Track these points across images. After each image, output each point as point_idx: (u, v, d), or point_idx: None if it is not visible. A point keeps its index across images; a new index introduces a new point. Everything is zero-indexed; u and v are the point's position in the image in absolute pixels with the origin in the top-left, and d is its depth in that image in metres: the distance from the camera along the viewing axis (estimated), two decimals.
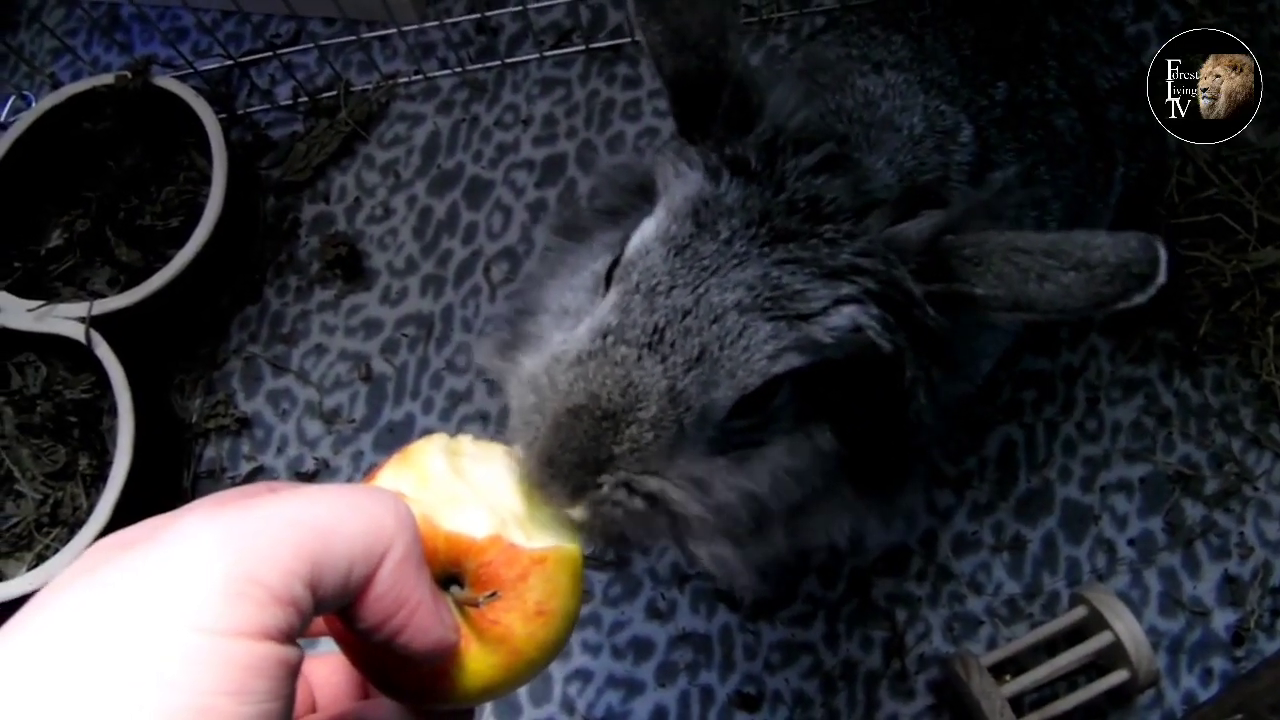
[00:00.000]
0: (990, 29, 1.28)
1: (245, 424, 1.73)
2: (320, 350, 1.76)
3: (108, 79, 1.73)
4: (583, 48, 1.86)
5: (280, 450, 1.71)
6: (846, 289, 0.81)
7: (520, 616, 0.66)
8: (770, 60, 1.56)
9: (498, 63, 1.87)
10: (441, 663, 0.64)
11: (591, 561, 1.60)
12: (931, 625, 1.53)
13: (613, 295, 0.83)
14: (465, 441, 0.80)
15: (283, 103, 1.90)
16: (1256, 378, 1.59)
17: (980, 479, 1.59)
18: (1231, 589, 1.51)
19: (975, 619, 1.53)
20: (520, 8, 1.82)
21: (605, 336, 0.80)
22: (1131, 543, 1.54)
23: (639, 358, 0.79)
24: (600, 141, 1.83)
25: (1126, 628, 1.38)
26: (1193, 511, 1.54)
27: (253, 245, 1.81)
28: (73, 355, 1.65)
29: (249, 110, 1.90)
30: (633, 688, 1.55)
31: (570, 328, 0.85)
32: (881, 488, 1.00)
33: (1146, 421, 1.59)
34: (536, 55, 1.87)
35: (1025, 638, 1.44)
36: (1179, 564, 1.53)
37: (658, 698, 1.54)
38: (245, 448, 1.72)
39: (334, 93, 1.89)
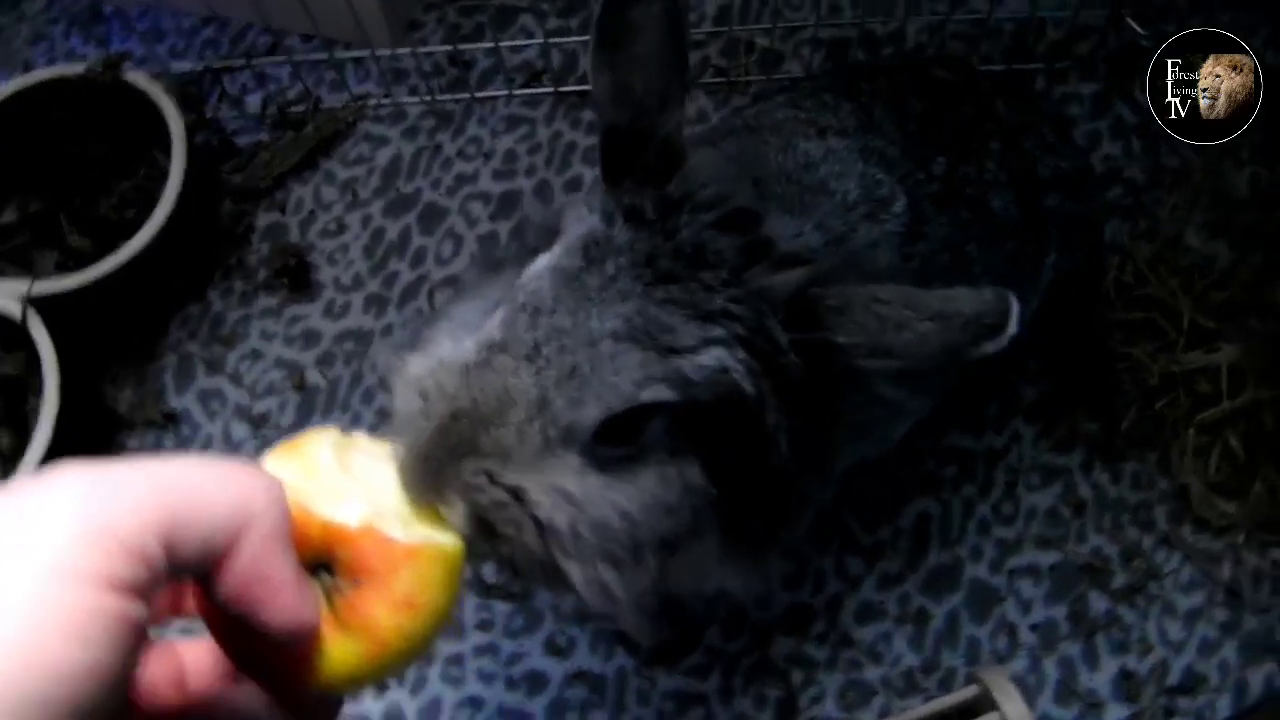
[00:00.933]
0: (938, 106, 1.31)
1: (173, 420, 1.73)
2: (256, 355, 1.77)
3: (78, 69, 1.76)
4: (551, 90, 1.90)
5: (205, 448, 1.71)
6: (716, 331, 0.86)
7: (387, 607, 0.66)
8: (732, 116, 1.60)
9: (467, 95, 1.90)
10: (302, 646, 0.64)
11: (497, 592, 1.60)
12: (826, 690, 1.52)
13: (500, 313, 0.88)
14: (358, 437, 0.82)
15: (251, 111, 1.93)
16: (1173, 478, 1.60)
17: (892, 549, 1.59)
18: (1128, 684, 1.50)
19: (870, 688, 1.52)
20: (494, 45, 1.86)
21: (490, 348, 0.85)
22: (1034, 628, 1.54)
23: (516, 368, 0.83)
24: (558, 182, 1.85)
25: (1016, 711, 1.38)
26: (1098, 604, 1.54)
27: (207, 247, 1.82)
28: (7, 332, 1.65)
29: (217, 116, 1.93)
30: None
31: (461, 340, 0.89)
32: (748, 541, 1.02)
33: (1062, 510, 1.60)
34: (505, 92, 1.90)
35: (916, 710, 1.43)
36: (1078, 654, 1.52)
37: None
38: (169, 443, 1.72)
39: (303, 107, 1.92)
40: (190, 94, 1.93)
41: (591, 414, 0.83)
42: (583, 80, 1.91)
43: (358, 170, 1.89)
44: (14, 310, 1.61)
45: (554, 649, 1.57)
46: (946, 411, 1.62)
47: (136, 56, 1.97)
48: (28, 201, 1.77)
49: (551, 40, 1.91)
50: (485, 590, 1.60)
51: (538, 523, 0.84)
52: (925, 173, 1.22)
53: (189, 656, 0.69)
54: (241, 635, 0.63)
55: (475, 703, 1.55)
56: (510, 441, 0.82)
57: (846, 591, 1.57)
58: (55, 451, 1.52)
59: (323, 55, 1.89)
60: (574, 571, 0.86)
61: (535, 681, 1.55)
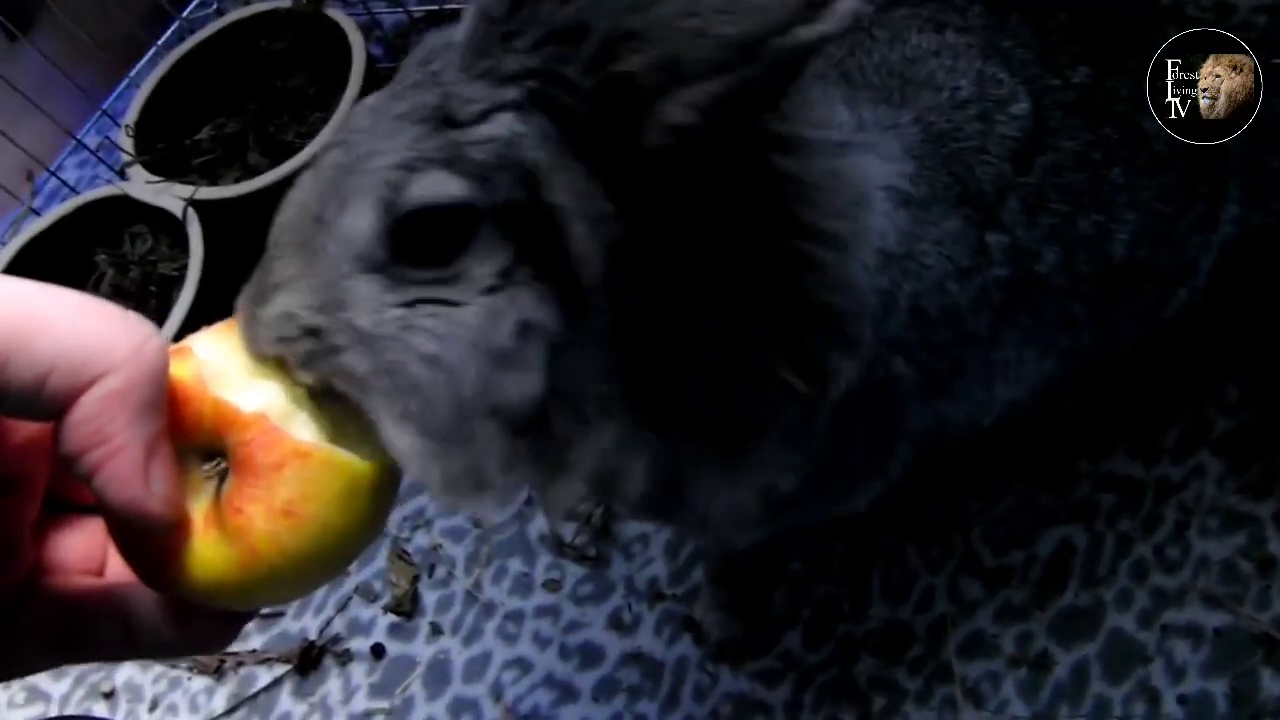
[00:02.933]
0: (1091, 22, 1.11)
1: None
2: None
3: (286, 2, 1.85)
4: None
5: None
6: (510, 93, 0.64)
7: (265, 510, 0.57)
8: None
9: None
10: (164, 536, 0.56)
11: (570, 552, 1.48)
12: None
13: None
14: None
15: None
16: None
17: (1021, 578, 1.34)
18: None
19: None
20: None
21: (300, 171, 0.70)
22: (1183, 700, 1.23)
23: (302, 181, 0.68)
24: None
25: None
26: (1271, 685, 1.22)
27: None
28: (179, 235, 1.74)
29: None
30: (567, 693, 1.40)
31: None
32: (694, 426, 0.81)
33: (1243, 565, 1.29)
34: None
35: None
36: None
37: (587, 712, 1.38)
38: None
39: None
40: (395, 43, 1.99)
41: (363, 214, 0.64)
42: None
43: None
44: (178, 210, 1.69)
45: (617, 623, 1.43)
46: (1105, 424, 1.37)
47: (361, 7, 2.04)
48: (225, 123, 1.87)
49: None
50: (559, 548, 1.49)
51: (344, 370, 0.65)
52: (1061, 79, 1.04)
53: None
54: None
55: (524, 665, 1.43)
56: (290, 270, 0.65)
57: (956, 617, 1.34)
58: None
59: None
60: (392, 436, 0.65)
61: (590, 655, 1.42)
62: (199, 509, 0.58)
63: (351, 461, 0.60)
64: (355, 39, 1.79)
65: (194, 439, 0.58)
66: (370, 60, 1.80)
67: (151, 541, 0.56)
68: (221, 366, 0.61)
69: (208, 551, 0.57)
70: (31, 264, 1.75)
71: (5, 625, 0.58)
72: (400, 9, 2.00)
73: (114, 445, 0.51)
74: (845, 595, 1.38)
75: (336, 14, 1.83)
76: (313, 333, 0.64)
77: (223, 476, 0.59)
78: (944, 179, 0.95)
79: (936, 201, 0.93)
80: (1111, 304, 1.09)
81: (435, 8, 1.99)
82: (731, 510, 0.91)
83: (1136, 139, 1.05)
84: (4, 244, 1.83)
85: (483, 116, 0.64)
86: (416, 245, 0.65)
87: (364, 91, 1.73)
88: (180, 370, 0.57)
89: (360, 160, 0.65)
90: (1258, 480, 1.32)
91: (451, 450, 0.66)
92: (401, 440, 0.64)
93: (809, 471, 0.92)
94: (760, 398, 0.82)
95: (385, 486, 0.63)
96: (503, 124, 0.64)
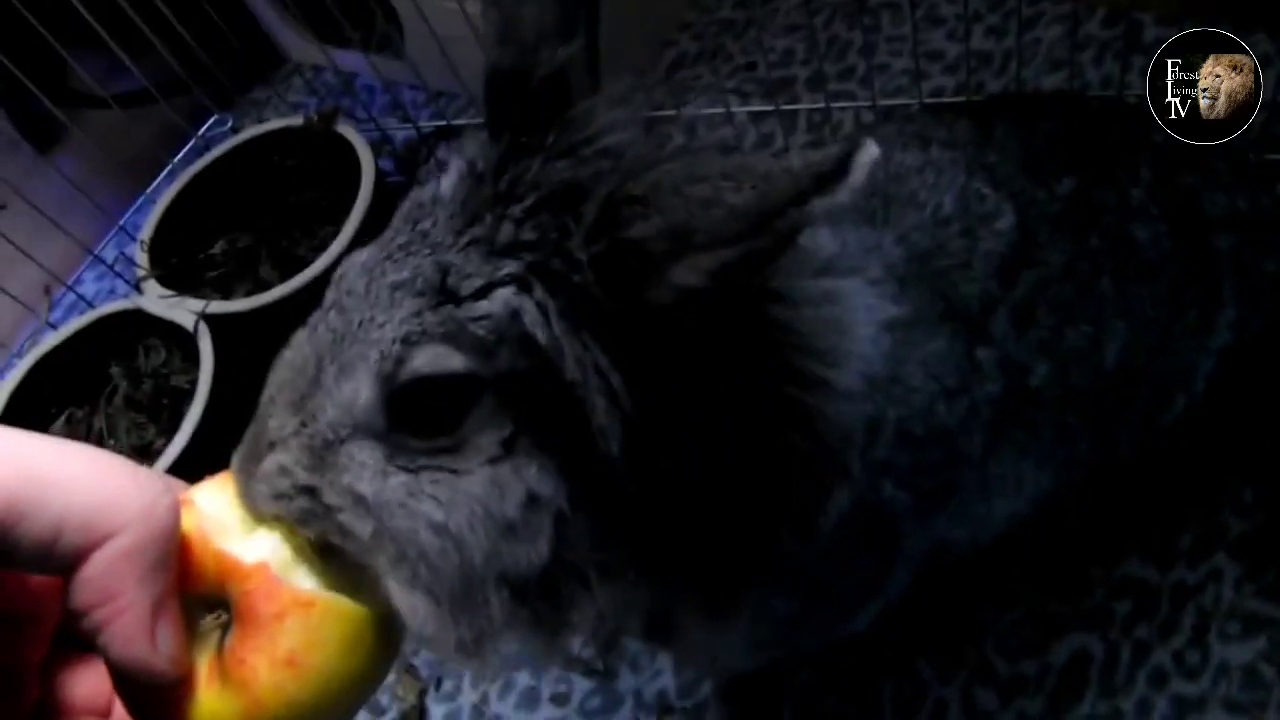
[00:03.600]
0: (1074, 129, 1.12)
1: None
2: None
3: (298, 120, 1.90)
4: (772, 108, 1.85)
5: None
6: (508, 267, 0.65)
7: (268, 661, 0.58)
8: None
9: None
10: (167, 691, 0.57)
11: (577, 665, 1.46)
12: None
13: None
14: None
15: None
16: None
17: (1036, 688, 1.31)
18: None
19: None
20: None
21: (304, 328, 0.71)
22: None
23: (297, 341, 0.70)
24: None
25: None
26: None
27: None
28: (191, 348, 1.76)
29: (427, 179, 2.01)
30: None
31: None
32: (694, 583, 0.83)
33: (1265, 670, 1.25)
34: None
35: None
36: None
37: None
38: None
39: None
40: (405, 159, 2.03)
41: (363, 384, 0.65)
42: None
43: None
44: (190, 323, 1.71)
45: None
46: (1116, 529, 1.35)
47: (372, 124, 2.09)
48: (238, 238, 1.91)
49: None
50: (567, 661, 1.47)
51: (342, 530, 0.66)
52: (1047, 191, 1.05)
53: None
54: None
55: None
56: (287, 428, 0.67)
57: None
58: (190, 454, 1.57)
59: None
60: (399, 599, 0.67)
61: None
62: (203, 659, 0.59)
63: (354, 609, 0.61)
64: (365, 154, 1.83)
65: (197, 589, 0.59)
66: (380, 175, 1.84)
67: (156, 694, 0.57)
68: (222, 518, 0.62)
69: (212, 703, 0.58)
70: (47, 376, 1.78)
71: None
72: (410, 125, 2.05)
73: (121, 603, 0.52)
74: (855, 710, 1.35)
75: (347, 130, 1.87)
76: (308, 491, 0.66)
77: (225, 627, 0.60)
78: (928, 297, 0.95)
79: (921, 321, 0.93)
80: (1107, 414, 1.08)
81: (443, 124, 2.04)
82: (727, 648, 0.92)
83: (1125, 248, 1.06)
84: (21, 356, 1.86)
85: (482, 292, 0.65)
86: (416, 414, 0.66)
87: (373, 206, 1.76)
88: (183, 522, 0.58)
89: (359, 329, 0.66)
90: (1276, 582, 1.30)
91: (459, 616, 0.68)
92: (409, 604, 0.66)
93: (803, 599, 0.93)
94: (754, 544, 0.83)
95: (389, 631, 0.64)
96: (502, 300, 0.65)
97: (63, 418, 1.78)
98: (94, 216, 2.10)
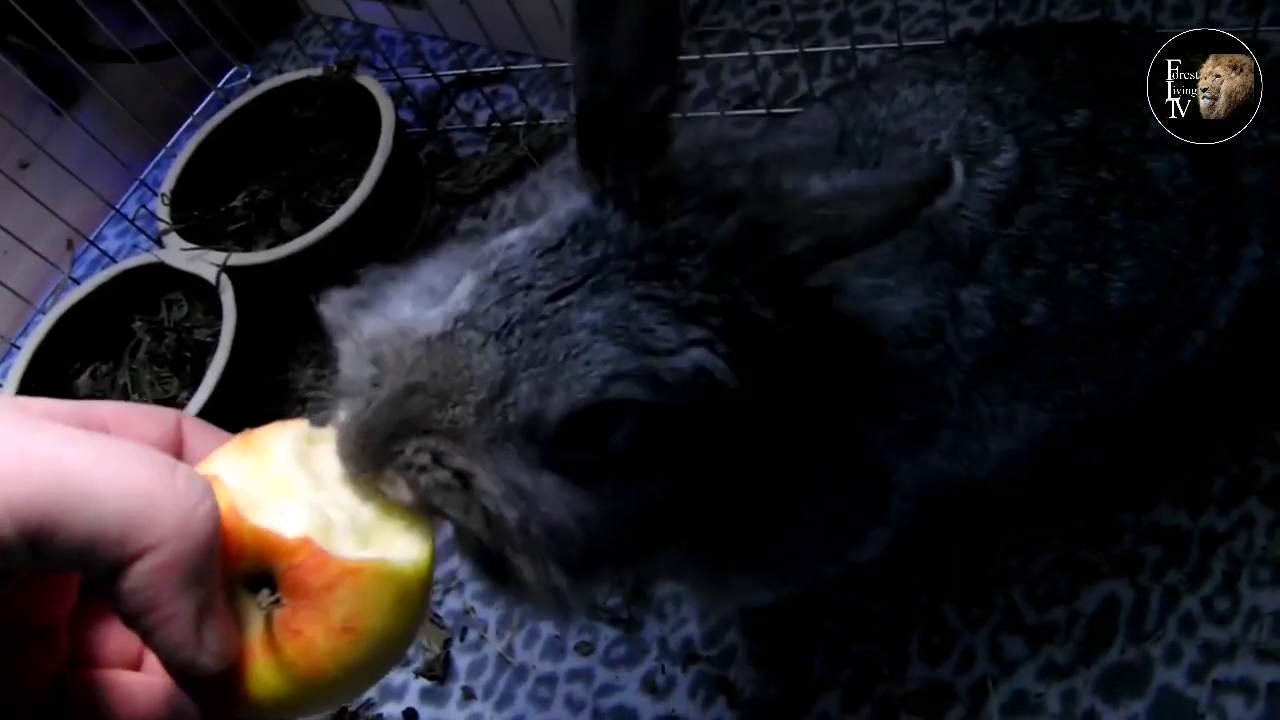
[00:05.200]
0: (1099, 60, 1.10)
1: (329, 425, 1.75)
2: None
3: (317, 71, 1.89)
4: (764, 111, 1.81)
5: None
6: (696, 332, 0.78)
7: (323, 631, 0.59)
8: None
9: (678, 114, 1.84)
10: (220, 674, 0.58)
11: (603, 615, 1.46)
12: None
13: (469, 280, 0.79)
14: (330, 432, 0.74)
15: (479, 126, 1.98)
16: None
17: (1065, 635, 1.30)
18: None
19: None
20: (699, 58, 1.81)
21: (457, 320, 0.77)
22: None
23: (484, 344, 0.76)
24: None
25: None
26: None
27: (403, 242, 1.86)
28: (214, 301, 1.76)
29: (448, 128, 2.00)
30: None
31: (426, 306, 0.82)
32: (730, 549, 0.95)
33: None
34: (718, 113, 1.83)
35: None
36: None
37: None
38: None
39: (523, 121, 1.94)
40: (427, 109, 2.01)
41: (557, 405, 0.75)
42: (799, 103, 1.80)
43: None
44: (212, 275, 1.71)
45: (650, 687, 1.40)
46: (1145, 478, 1.33)
47: (393, 74, 2.07)
48: (259, 190, 1.90)
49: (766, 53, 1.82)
50: (592, 610, 1.47)
51: (485, 512, 0.75)
52: (1055, 124, 1.03)
53: None
54: None
55: None
56: (466, 422, 0.74)
57: (999, 676, 1.29)
58: (213, 406, 1.58)
59: (535, 66, 1.91)
60: (524, 568, 0.77)
61: (623, 719, 1.39)
62: (253, 633, 0.60)
63: (397, 569, 0.63)
64: (385, 104, 1.81)
65: (237, 567, 0.59)
66: (400, 125, 1.83)
67: (208, 677, 0.57)
68: (250, 491, 0.62)
69: (267, 675, 0.59)
70: (71, 331, 1.79)
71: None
72: (430, 75, 2.03)
73: (165, 613, 0.52)
74: (884, 655, 1.34)
75: (367, 81, 1.86)
76: (461, 475, 0.74)
77: (274, 602, 0.61)
78: (912, 235, 0.95)
79: (902, 262, 0.95)
80: (1113, 353, 1.07)
81: (464, 72, 2.02)
82: (741, 581, 1.02)
83: (1139, 181, 1.04)
84: (45, 312, 1.87)
85: (676, 351, 0.77)
86: (577, 431, 0.77)
87: (393, 156, 1.75)
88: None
89: (565, 362, 0.75)
90: None
91: (581, 581, 0.80)
92: (539, 573, 0.77)
93: (805, 526, 0.99)
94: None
95: (428, 581, 0.66)
96: (692, 359, 0.78)
97: (87, 372, 1.80)
98: (115, 172, 2.10)
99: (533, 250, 0.78)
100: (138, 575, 0.51)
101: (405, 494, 0.72)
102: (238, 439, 0.68)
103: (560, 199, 0.83)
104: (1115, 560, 1.33)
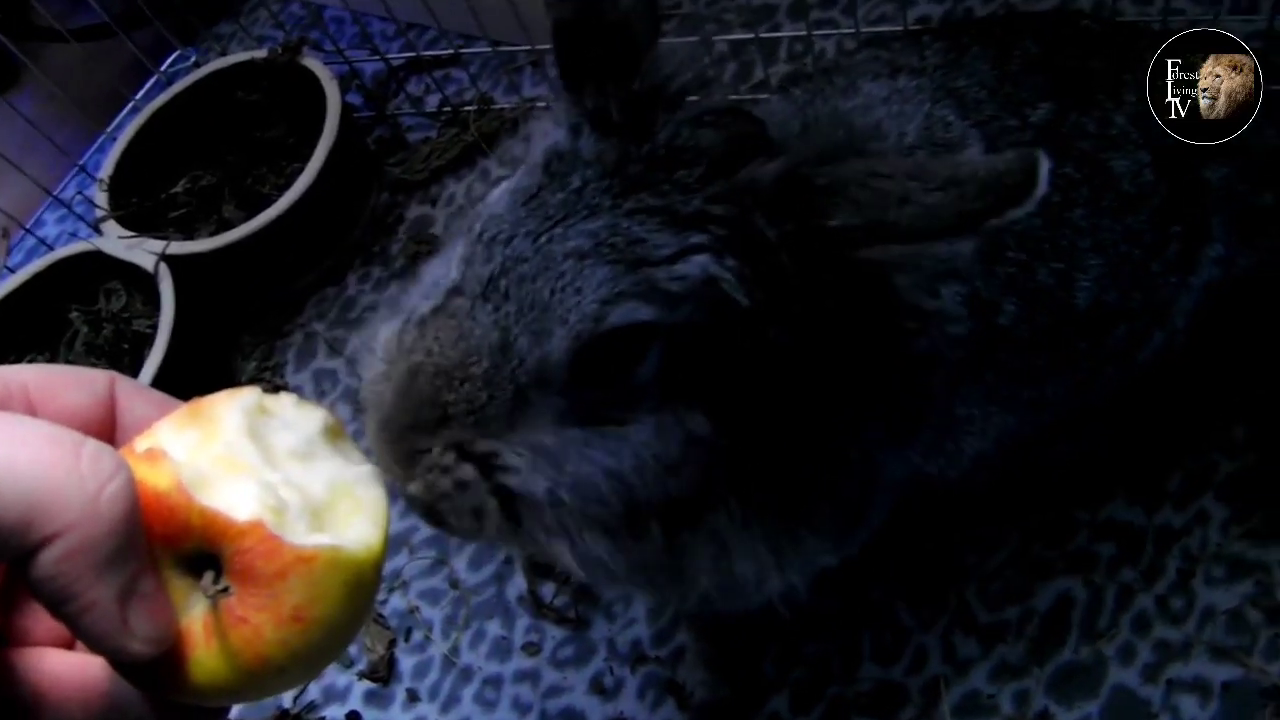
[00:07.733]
0: (1059, 51, 1.07)
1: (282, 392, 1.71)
2: None
3: (262, 53, 1.83)
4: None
5: None
6: (697, 237, 0.74)
7: (272, 619, 0.56)
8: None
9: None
10: (158, 660, 0.54)
11: (550, 614, 1.43)
12: None
13: (459, 248, 0.78)
14: (284, 401, 0.68)
15: (429, 111, 1.93)
16: None
17: (1017, 635, 1.28)
18: None
19: None
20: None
21: (448, 294, 0.76)
22: None
23: (471, 308, 0.74)
24: None
25: None
26: None
27: (349, 231, 1.82)
28: (153, 290, 1.70)
29: (397, 113, 1.95)
30: None
31: (428, 294, 0.80)
32: (780, 514, 0.88)
33: (1251, 615, 1.22)
34: None
35: None
36: None
37: None
38: None
39: (474, 106, 1.89)
40: (375, 93, 1.96)
41: (559, 345, 0.72)
42: (755, 89, 1.77)
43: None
44: (150, 265, 1.65)
45: (598, 688, 1.37)
46: (1102, 470, 1.31)
47: (340, 57, 2.01)
48: (201, 176, 1.85)
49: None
50: (538, 609, 1.43)
51: (511, 496, 0.75)
52: (1018, 119, 1.00)
53: None
54: None
55: None
56: (479, 399, 0.73)
57: (951, 677, 1.27)
58: None
59: (486, 49, 1.87)
60: (561, 551, 0.77)
61: None
62: (195, 616, 0.56)
63: (350, 556, 0.59)
64: (331, 88, 1.76)
65: (181, 547, 0.55)
66: (347, 109, 1.78)
67: (146, 664, 0.54)
68: (198, 466, 0.58)
69: (210, 661, 0.55)
70: (6, 321, 1.73)
71: None
72: (379, 58, 1.97)
73: (84, 601, 0.48)
74: (835, 655, 1.32)
75: (312, 64, 1.81)
76: (485, 461, 0.73)
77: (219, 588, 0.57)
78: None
79: None
80: (1078, 354, 1.05)
81: (413, 55, 1.97)
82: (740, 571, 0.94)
83: (1102, 178, 1.01)
84: None
85: (675, 258, 0.73)
86: (594, 367, 0.73)
87: (339, 141, 1.70)
88: (158, 479, 0.54)
89: (553, 298, 0.72)
90: (1263, 525, 1.26)
91: (628, 544, 0.78)
92: (578, 547, 0.76)
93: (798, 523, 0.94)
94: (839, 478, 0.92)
95: (380, 566, 0.63)
96: (699, 265, 0.73)
97: (22, 363, 1.73)
98: (54, 157, 2.03)
99: (514, 201, 0.75)
100: (47, 563, 0.47)
101: (421, 493, 0.74)
102: (185, 408, 0.63)
103: (538, 140, 0.81)
104: (1069, 557, 1.31)
